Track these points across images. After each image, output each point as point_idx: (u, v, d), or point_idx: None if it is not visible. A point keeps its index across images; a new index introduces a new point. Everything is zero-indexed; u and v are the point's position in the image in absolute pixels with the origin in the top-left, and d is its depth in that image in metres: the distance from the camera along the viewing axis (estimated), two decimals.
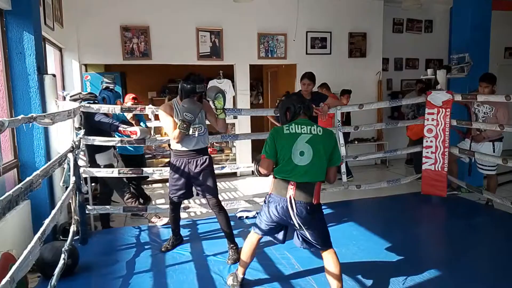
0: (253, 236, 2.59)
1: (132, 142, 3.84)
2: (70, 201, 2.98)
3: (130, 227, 4.01)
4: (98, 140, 3.65)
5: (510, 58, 8.34)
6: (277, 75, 7.90)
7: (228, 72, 6.65)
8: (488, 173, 4.41)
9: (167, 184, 5.90)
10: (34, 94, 3.38)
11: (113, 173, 3.77)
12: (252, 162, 2.72)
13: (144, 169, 3.97)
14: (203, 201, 3.65)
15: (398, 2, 6.94)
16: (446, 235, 3.86)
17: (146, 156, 5.60)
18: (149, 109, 3.86)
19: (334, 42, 6.83)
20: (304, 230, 2.38)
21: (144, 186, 5.19)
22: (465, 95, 4.39)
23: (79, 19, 5.50)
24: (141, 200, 4.47)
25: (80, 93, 3.83)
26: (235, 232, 3.30)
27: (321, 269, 2.55)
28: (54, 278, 2.22)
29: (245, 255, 2.61)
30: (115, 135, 3.98)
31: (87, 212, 3.67)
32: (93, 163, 3.81)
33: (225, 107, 3.10)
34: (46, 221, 2.10)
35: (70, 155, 3.05)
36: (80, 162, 3.61)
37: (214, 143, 6.35)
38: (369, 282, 2.75)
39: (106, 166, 3.84)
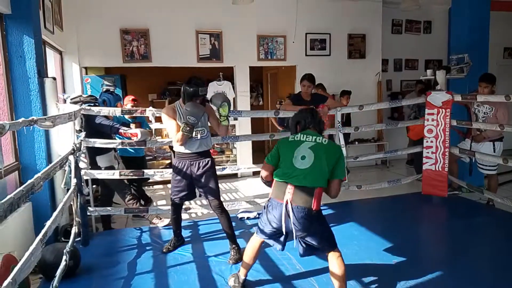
0: (256, 239, 2.59)
1: (132, 144, 3.85)
2: (72, 203, 2.98)
3: (131, 229, 4.02)
4: (99, 143, 3.67)
5: (509, 58, 8.35)
6: (277, 77, 7.92)
7: (228, 74, 6.67)
8: (489, 173, 4.41)
9: (168, 185, 5.94)
10: (35, 97, 3.39)
11: (114, 175, 3.78)
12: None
13: (145, 170, 3.97)
14: (204, 202, 3.66)
15: (397, 3, 6.97)
16: (447, 235, 3.86)
17: (147, 158, 5.61)
18: (149, 111, 3.87)
19: (333, 43, 6.85)
20: (305, 235, 2.37)
21: (145, 187, 5.20)
22: (465, 96, 4.40)
23: (79, 22, 5.52)
24: (142, 202, 4.48)
25: (81, 95, 3.85)
26: (236, 233, 3.31)
27: (323, 270, 2.56)
28: (56, 279, 2.23)
29: (247, 257, 2.61)
30: (116, 137, 4.00)
31: (88, 213, 3.68)
32: (94, 165, 3.83)
33: (224, 102, 3.12)
34: (48, 223, 2.11)
35: (71, 158, 3.07)
36: (81, 164, 3.62)
37: (215, 145, 6.35)
38: (370, 282, 2.75)
39: (107, 168, 3.85)
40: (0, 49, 3.26)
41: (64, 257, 2.45)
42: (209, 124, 3.24)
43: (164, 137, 6.24)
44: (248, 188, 5.83)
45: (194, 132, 3.00)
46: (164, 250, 3.34)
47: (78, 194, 3.26)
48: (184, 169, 3.12)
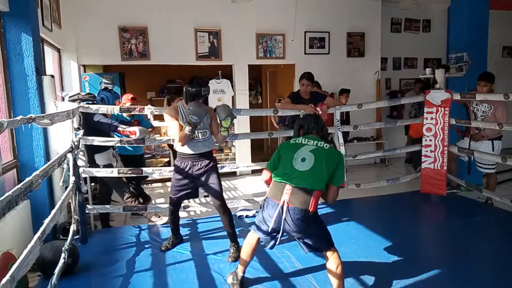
0: (252, 236, 2.59)
1: (131, 142, 3.84)
2: (70, 201, 2.98)
3: (130, 226, 4.01)
4: (97, 140, 3.66)
5: (508, 57, 8.37)
6: (276, 75, 7.92)
7: (226, 72, 6.66)
8: (488, 172, 4.42)
9: (167, 183, 5.95)
10: (33, 95, 3.38)
11: (112, 173, 3.78)
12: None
13: (144, 168, 3.97)
14: (203, 200, 3.67)
15: (396, 1, 6.96)
16: (446, 233, 3.86)
17: (146, 156, 5.61)
18: (147, 109, 3.86)
19: (332, 42, 6.84)
20: (301, 236, 2.39)
21: (143, 185, 5.19)
22: (464, 94, 4.40)
23: (77, 20, 5.50)
24: (141, 200, 4.47)
25: (79, 93, 3.83)
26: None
27: (321, 267, 2.56)
28: (54, 277, 2.22)
29: (245, 254, 2.61)
30: (114, 135, 3.99)
31: (87, 211, 3.67)
32: (92, 163, 3.82)
33: (228, 116, 3.17)
34: (46, 221, 2.10)
35: (69, 155, 3.06)
36: (80, 162, 3.61)
37: (214, 143, 6.35)
38: (368, 281, 2.75)
39: (105, 166, 3.85)
40: None
41: (63, 254, 2.44)
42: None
43: (162, 135, 6.23)
44: (247, 186, 5.83)
45: (196, 132, 3.02)
46: (162, 248, 3.34)
47: (77, 192, 3.26)
48: (185, 169, 3.13)
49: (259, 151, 7.46)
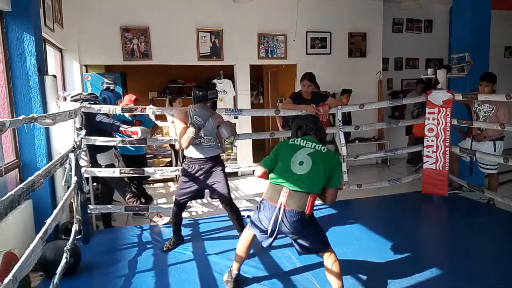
0: (248, 232, 2.60)
1: (133, 142, 3.85)
2: (72, 201, 2.98)
3: (131, 227, 4.02)
4: (99, 140, 3.66)
5: (510, 57, 8.35)
6: (277, 75, 7.91)
7: (228, 72, 6.66)
8: (489, 172, 4.41)
9: (169, 183, 5.95)
10: (35, 94, 3.39)
11: (114, 173, 3.78)
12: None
13: (145, 168, 3.97)
14: (205, 200, 3.67)
15: (397, 2, 6.95)
16: (448, 234, 3.86)
17: (147, 156, 5.61)
18: (149, 109, 3.86)
19: (334, 42, 6.84)
20: (297, 238, 2.41)
21: (145, 185, 5.20)
22: (466, 95, 4.40)
23: (79, 20, 5.51)
24: (143, 200, 4.47)
25: (81, 93, 3.84)
26: None
27: (321, 266, 2.55)
28: (56, 277, 2.22)
29: (240, 250, 2.63)
30: (116, 135, 3.99)
31: (88, 211, 3.68)
32: (94, 163, 3.82)
33: (232, 136, 3.14)
34: (48, 221, 2.10)
35: (71, 155, 3.07)
36: (82, 162, 3.62)
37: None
38: (370, 281, 2.75)
39: (107, 166, 3.85)
40: (0, 46, 3.25)
41: (65, 254, 2.44)
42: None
43: (164, 135, 6.24)
44: (248, 187, 5.83)
45: (201, 136, 3.08)
46: (164, 249, 3.34)
47: (79, 192, 3.26)
48: (193, 173, 3.19)
49: (260, 151, 7.45)
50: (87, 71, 5.96)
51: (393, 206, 4.61)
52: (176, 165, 5.31)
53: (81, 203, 3.38)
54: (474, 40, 5.15)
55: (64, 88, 5.30)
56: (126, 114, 4.20)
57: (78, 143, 3.21)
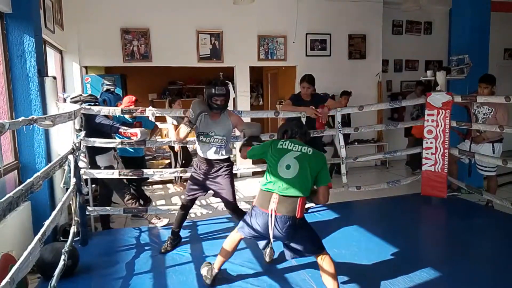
0: (236, 235, 2.63)
1: (132, 143, 3.85)
2: (71, 203, 2.98)
3: (130, 228, 4.01)
4: (99, 142, 3.67)
5: (510, 59, 8.36)
6: (277, 77, 7.92)
7: (228, 74, 6.67)
8: (488, 174, 4.41)
9: (168, 185, 5.95)
10: (35, 96, 3.40)
11: (113, 174, 3.79)
12: (246, 141, 3.01)
13: (145, 170, 3.97)
14: (203, 202, 3.67)
15: (397, 4, 6.96)
16: (446, 236, 3.86)
17: (147, 157, 5.61)
18: (149, 111, 3.86)
19: (333, 44, 6.85)
20: (290, 242, 2.44)
21: (144, 187, 5.20)
22: (465, 97, 4.40)
23: (79, 22, 5.52)
24: (141, 202, 4.48)
25: (81, 95, 3.85)
26: None
27: (318, 266, 2.54)
28: (54, 279, 2.23)
29: (224, 251, 2.65)
30: (116, 137, 4.00)
31: (87, 213, 3.68)
32: (93, 165, 3.83)
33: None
34: (47, 222, 2.11)
35: (70, 157, 3.07)
36: (81, 164, 3.62)
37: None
38: (369, 283, 2.75)
39: (106, 168, 3.85)
40: (0, 48, 3.26)
41: (63, 256, 2.45)
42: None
43: (163, 137, 6.24)
44: (247, 189, 5.83)
45: (211, 135, 3.12)
46: (162, 251, 3.34)
47: (77, 194, 3.26)
48: (200, 172, 3.23)
49: None
50: (87, 73, 5.97)
51: (392, 208, 4.61)
52: (175, 167, 5.32)
53: (80, 205, 3.38)
54: (473, 42, 5.16)
55: (64, 90, 5.31)
56: (126, 116, 4.21)
57: (77, 145, 3.21)
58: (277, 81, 8.00)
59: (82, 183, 3.53)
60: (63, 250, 2.49)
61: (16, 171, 3.39)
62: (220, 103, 3.07)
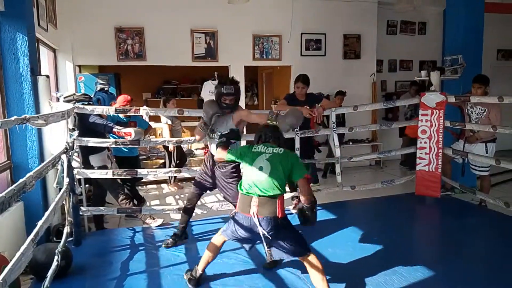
0: (220, 238, 2.67)
1: (126, 143, 3.83)
2: (64, 203, 2.96)
3: (124, 229, 3.99)
4: (92, 142, 3.64)
5: (503, 60, 8.43)
6: (272, 77, 7.92)
7: (223, 74, 6.65)
8: (481, 174, 4.44)
9: (162, 185, 5.93)
10: (28, 95, 3.36)
11: (107, 174, 3.76)
12: (222, 139, 2.96)
13: (139, 170, 3.95)
14: (198, 202, 3.67)
15: (391, 4, 6.98)
16: (440, 235, 3.88)
17: (141, 157, 5.59)
18: (143, 110, 3.84)
19: (328, 44, 6.86)
20: (273, 242, 2.46)
21: (138, 187, 5.17)
22: (459, 97, 4.43)
23: (73, 20, 5.47)
24: (135, 202, 4.45)
25: (74, 94, 3.82)
26: None
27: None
28: (47, 280, 2.21)
29: (208, 254, 2.69)
30: (110, 137, 3.97)
31: (80, 213, 3.65)
32: (87, 165, 3.80)
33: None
34: (39, 223, 2.09)
35: (63, 157, 3.04)
36: (74, 164, 3.59)
37: None
38: (364, 282, 2.75)
39: (100, 168, 3.82)
40: None
41: (56, 257, 2.43)
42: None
43: (158, 137, 6.22)
44: None
45: (216, 131, 3.20)
46: (163, 245, 3.38)
47: (71, 194, 3.24)
48: (208, 166, 3.38)
49: None
50: (80, 72, 5.93)
51: (386, 208, 4.63)
52: (169, 167, 5.29)
53: (73, 205, 3.35)
54: (467, 42, 5.19)
55: (57, 89, 5.26)
56: (121, 115, 4.18)
57: (70, 144, 3.19)
58: (272, 80, 8.00)
59: (75, 183, 3.51)
60: (56, 251, 2.47)
61: (8, 170, 3.36)
62: (229, 102, 3.11)
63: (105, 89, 4.09)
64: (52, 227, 3.48)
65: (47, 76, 3.61)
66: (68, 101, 3.64)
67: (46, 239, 3.34)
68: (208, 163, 3.37)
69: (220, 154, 2.83)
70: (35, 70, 3.49)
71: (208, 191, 3.56)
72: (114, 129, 3.70)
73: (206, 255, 2.70)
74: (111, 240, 3.67)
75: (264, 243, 2.46)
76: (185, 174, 4.30)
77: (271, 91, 8.08)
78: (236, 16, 6.16)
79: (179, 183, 5.83)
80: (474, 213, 4.35)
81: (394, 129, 6.57)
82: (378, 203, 4.81)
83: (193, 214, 3.64)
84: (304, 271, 2.86)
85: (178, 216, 4.30)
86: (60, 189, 3.08)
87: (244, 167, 2.60)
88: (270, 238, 2.41)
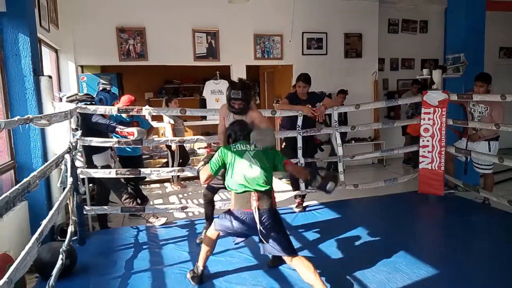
0: (214, 233, 2.70)
1: (129, 143, 3.84)
2: (68, 202, 2.97)
3: (128, 228, 4.01)
4: (95, 141, 3.65)
5: (505, 58, 8.40)
6: (274, 76, 7.92)
7: (224, 73, 6.66)
8: (485, 172, 4.43)
9: (165, 184, 5.93)
10: (30, 95, 3.37)
11: (110, 173, 3.77)
12: (203, 160, 2.89)
13: (142, 169, 3.96)
14: (201, 201, 3.67)
15: (393, 2, 6.98)
16: (443, 233, 3.88)
17: (144, 156, 5.59)
18: (145, 110, 3.85)
19: (330, 42, 6.85)
20: (270, 236, 2.50)
21: (141, 186, 5.18)
22: (461, 95, 4.42)
23: (74, 21, 5.49)
24: (139, 201, 4.46)
25: (77, 94, 3.83)
26: None
27: (316, 265, 2.54)
28: (52, 278, 2.22)
29: (205, 249, 2.73)
30: (113, 136, 3.98)
31: (84, 212, 3.67)
32: (90, 164, 3.81)
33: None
34: (44, 222, 2.09)
35: (67, 156, 3.05)
36: (77, 163, 3.60)
37: (212, 143, 6.34)
38: (366, 281, 2.75)
39: (103, 167, 3.83)
40: None
41: (61, 256, 2.44)
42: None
43: (160, 136, 6.23)
44: None
45: None
46: (197, 241, 3.40)
47: (74, 193, 3.25)
48: None
49: None
50: (82, 72, 5.94)
51: (389, 206, 4.63)
52: (172, 166, 5.30)
53: (77, 204, 3.37)
54: (469, 40, 5.18)
55: (60, 89, 5.27)
56: (124, 115, 4.19)
57: (73, 144, 3.20)
58: (273, 80, 8.00)
59: (79, 183, 3.52)
60: (61, 250, 2.48)
61: (12, 170, 3.38)
62: (238, 107, 3.12)
63: (107, 89, 4.10)
64: (56, 226, 3.50)
65: (50, 77, 3.62)
66: (71, 101, 3.65)
67: (51, 238, 3.35)
68: None
69: (204, 174, 2.63)
70: (37, 70, 3.50)
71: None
72: (117, 129, 3.72)
73: (203, 250, 2.73)
74: (115, 239, 3.68)
75: (261, 236, 2.50)
76: (188, 173, 4.31)
77: (273, 90, 8.08)
78: (237, 15, 6.16)
79: (182, 182, 5.84)
80: (477, 211, 4.34)
81: (397, 127, 6.57)
82: (381, 201, 4.81)
83: (197, 213, 3.65)
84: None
85: (181, 215, 4.32)
86: (64, 188, 3.09)
87: (232, 168, 2.57)
88: (268, 230, 2.47)
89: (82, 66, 5.92)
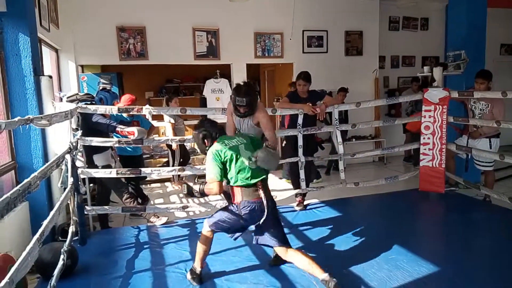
0: (209, 233, 2.72)
1: (129, 142, 3.84)
2: (69, 202, 2.98)
3: (129, 227, 4.01)
4: (96, 141, 3.65)
5: (506, 55, 8.37)
6: (274, 74, 7.91)
7: (225, 72, 6.65)
8: (486, 169, 4.43)
9: (166, 184, 5.94)
10: (31, 95, 3.37)
11: (111, 173, 3.77)
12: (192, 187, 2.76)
13: (142, 169, 3.96)
14: (202, 200, 3.68)
15: (393, 0, 6.95)
16: (444, 231, 3.88)
17: (144, 156, 5.60)
18: (146, 110, 3.85)
19: (330, 40, 6.84)
20: (269, 226, 2.61)
21: (142, 186, 5.18)
22: (462, 92, 4.41)
23: (74, 20, 5.48)
24: (140, 200, 4.46)
25: (77, 94, 3.83)
26: None
27: (318, 263, 2.54)
28: (54, 278, 2.22)
29: (202, 249, 2.73)
30: (113, 136, 3.98)
31: (85, 212, 3.67)
32: (91, 164, 3.81)
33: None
34: (45, 222, 2.10)
35: (67, 156, 3.05)
36: (78, 163, 3.60)
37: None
38: (367, 278, 2.76)
39: (103, 167, 3.84)
40: None
41: (62, 256, 2.44)
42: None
43: (161, 135, 6.23)
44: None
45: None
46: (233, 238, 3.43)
47: (75, 193, 3.26)
48: None
49: None
50: (83, 71, 5.94)
51: (390, 204, 4.63)
52: (173, 165, 5.30)
53: (78, 204, 3.37)
54: (470, 37, 5.16)
55: (60, 89, 5.27)
56: (124, 114, 4.19)
57: (74, 144, 3.20)
58: (274, 78, 7.99)
59: (79, 183, 3.52)
60: (62, 250, 2.49)
61: (13, 171, 3.38)
62: (243, 112, 3.16)
63: (108, 88, 4.10)
64: (57, 227, 3.50)
65: (50, 76, 3.62)
66: (71, 101, 3.65)
67: (52, 238, 3.36)
68: None
69: (213, 187, 2.55)
70: (37, 70, 3.50)
71: None
72: (117, 128, 3.72)
73: (200, 249, 2.73)
74: (116, 239, 3.69)
75: (262, 224, 2.57)
76: (188, 173, 4.30)
77: (273, 88, 8.08)
78: (237, 13, 6.15)
79: (182, 181, 5.84)
80: (478, 209, 4.34)
81: (397, 125, 6.55)
82: (382, 199, 4.81)
83: (198, 212, 3.65)
84: None
85: (182, 214, 4.32)
86: (64, 188, 3.09)
87: (234, 163, 2.57)
88: (272, 217, 2.59)
89: (82, 66, 5.92)
